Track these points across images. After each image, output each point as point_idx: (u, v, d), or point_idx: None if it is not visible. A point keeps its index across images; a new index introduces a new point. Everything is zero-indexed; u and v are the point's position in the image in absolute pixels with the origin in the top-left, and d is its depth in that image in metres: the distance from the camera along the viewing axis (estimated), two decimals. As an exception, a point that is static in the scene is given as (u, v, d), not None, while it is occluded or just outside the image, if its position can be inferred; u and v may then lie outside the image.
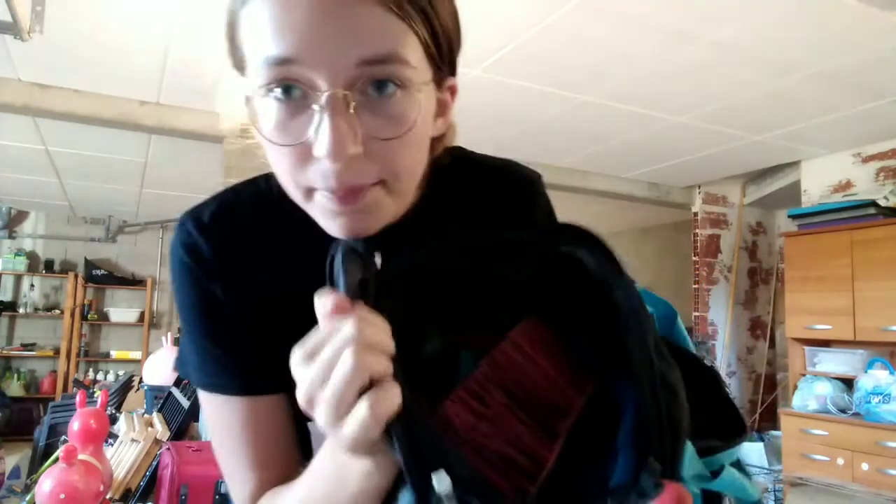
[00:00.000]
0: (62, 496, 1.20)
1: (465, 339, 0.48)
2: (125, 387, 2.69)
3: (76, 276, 6.54)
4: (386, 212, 0.50)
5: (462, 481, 0.38)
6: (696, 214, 4.90)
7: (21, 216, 6.67)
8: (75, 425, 1.43)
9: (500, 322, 0.48)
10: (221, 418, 0.58)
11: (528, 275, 0.48)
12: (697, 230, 4.87)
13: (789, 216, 4.04)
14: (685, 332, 0.59)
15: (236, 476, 0.58)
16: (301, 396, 0.41)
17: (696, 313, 4.79)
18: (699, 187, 4.89)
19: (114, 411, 2.22)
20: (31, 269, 6.58)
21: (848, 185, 3.95)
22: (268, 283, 0.58)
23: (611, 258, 0.46)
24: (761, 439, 4.33)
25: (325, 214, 0.49)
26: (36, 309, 6.60)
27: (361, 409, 0.39)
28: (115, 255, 7.03)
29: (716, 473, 0.49)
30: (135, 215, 6.67)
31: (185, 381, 1.97)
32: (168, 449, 1.49)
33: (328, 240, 0.48)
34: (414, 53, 0.47)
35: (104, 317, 6.91)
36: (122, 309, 6.92)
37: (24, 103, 3.11)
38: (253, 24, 0.46)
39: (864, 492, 2.93)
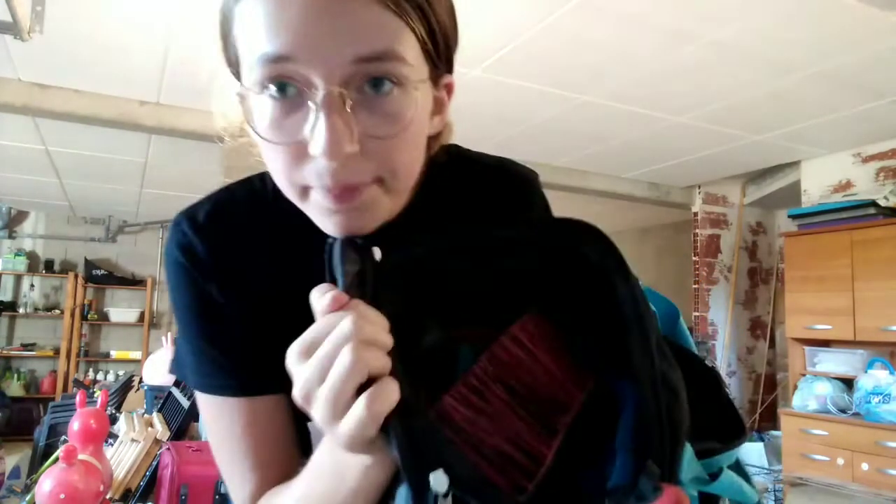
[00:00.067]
0: (62, 496, 1.20)
1: (464, 333, 0.47)
2: (125, 387, 2.69)
3: (76, 276, 6.54)
4: (382, 210, 0.50)
5: (459, 479, 0.38)
6: (696, 214, 4.90)
7: (21, 216, 6.67)
8: (75, 425, 1.43)
9: (500, 317, 0.47)
10: (219, 419, 0.58)
11: (528, 269, 0.48)
12: (697, 230, 4.87)
13: (789, 216, 4.04)
14: (687, 332, 0.59)
15: (235, 476, 0.58)
16: (298, 393, 0.41)
17: (696, 313, 4.79)
18: (699, 187, 4.89)
19: (114, 411, 2.22)
20: (31, 269, 6.58)
21: (848, 185, 3.95)
22: (264, 282, 0.58)
23: (614, 254, 0.46)
24: (761, 439, 4.33)
25: (321, 213, 0.49)
26: (36, 309, 6.60)
27: (359, 406, 0.38)
28: (115, 255, 7.03)
29: (714, 476, 0.48)
30: (135, 215, 6.67)
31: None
32: (168, 449, 1.49)
33: (324, 239, 0.48)
34: (411, 51, 0.47)
35: (104, 317, 6.91)
36: (122, 309, 6.92)
37: (24, 103, 3.11)
38: (247, 22, 0.46)
39: (864, 492, 2.93)
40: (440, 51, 0.51)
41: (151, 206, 6.01)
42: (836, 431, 3.45)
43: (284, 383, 0.43)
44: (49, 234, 6.76)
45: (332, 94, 0.44)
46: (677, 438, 0.43)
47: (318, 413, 0.40)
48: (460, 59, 0.55)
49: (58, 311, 6.59)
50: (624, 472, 0.41)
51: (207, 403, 0.59)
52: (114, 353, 6.87)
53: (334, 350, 0.39)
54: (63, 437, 1.78)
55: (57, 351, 6.48)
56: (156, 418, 1.87)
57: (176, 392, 1.99)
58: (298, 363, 0.41)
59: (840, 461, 3.37)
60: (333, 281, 0.44)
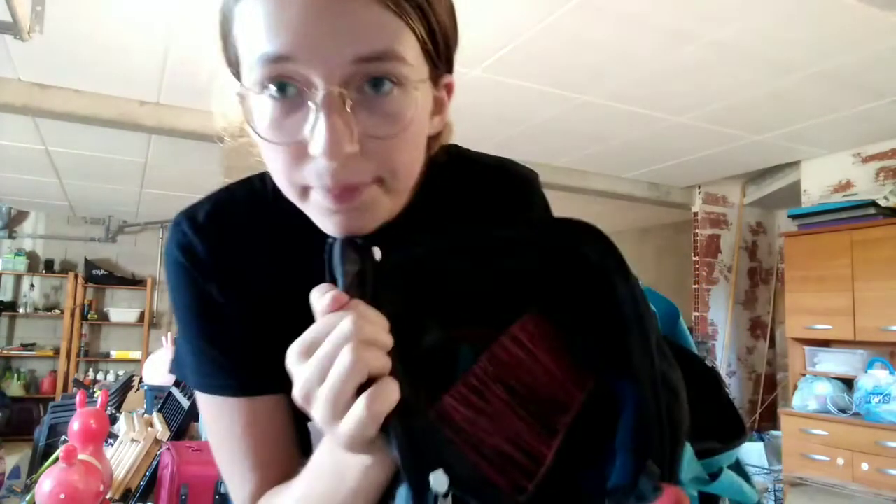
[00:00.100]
0: (62, 496, 1.20)
1: (464, 333, 0.47)
2: (125, 387, 2.69)
3: (76, 276, 6.54)
4: (382, 210, 0.50)
5: (459, 480, 0.38)
6: (696, 214, 4.90)
7: (21, 216, 6.67)
8: (75, 425, 1.43)
9: (500, 317, 0.47)
10: (219, 419, 0.58)
11: (528, 269, 0.48)
12: (697, 230, 4.87)
13: (789, 216, 4.04)
14: (687, 331, 0.58)
15: (236, 476, 0.58)
16: (298, 393, 0.41)
17: (696, 313, 4.79)
18: (699, 187, 4.89)
19: (114, 411, 2.22)
20: (31, 269, 6.58)
21: (848, 185, 3.95)
22: (264, 282, 0.58)
23: (614, 254, 0.45)
24: (761, 439, 4.33)
25: (321, 213, 0.49)
26: (36, 309, 6.60)
27: (359, 406, 0.38)
28: (115, 255, 7.03)
29: (714, 476, 0.48)
30: (135, 215, 6.67)
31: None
32: (168, 449, 1.49)
33: (324, 239, 0.48)
34: (411, 51, 0.46)
35: (104, 317, 6.91)
36: (122, 309, 6.92)
37: (24, 103, 3.11)
38: (247, 22, 0.46)
39: (864, 492, 2.93)
40: (440, 51, 0.51)
41: (151, 206, 6.01)
42: (836, 431, 3.45)
43: (284, 383, 0.43)
44: (49, 234, 6.76)
45: (332, 94, 0.44)
46: (677, 438, 0.42)
47: (317, 413, 0.40)
48: (460, 58, 0.55)
49: (58, 311, 6.59)
50: (624, 472, 0.41)
51: (207, 403, 0.59)
52: (114, 353, 6.87)
53: (334, 350, 0.39)
54: (63, 437, 1.78)
55: (57, 351, 6.48)
56: (156, 418, 1.87)
57: (176, 392, 1.99)
58: (298, 363, 0.41)
59: (840, 461, 3.37)
60: (333, 281, 0.44)
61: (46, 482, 1.21)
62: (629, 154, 4.10)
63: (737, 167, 4.40)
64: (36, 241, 6.74)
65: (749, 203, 4.98)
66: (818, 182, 4.13)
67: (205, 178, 4.23)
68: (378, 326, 0.41)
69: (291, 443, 0.58)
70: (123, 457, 1.66)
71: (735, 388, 4.86)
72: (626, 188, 4.73)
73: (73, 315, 6.50)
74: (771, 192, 4.69)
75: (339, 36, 0.44)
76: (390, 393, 0.39)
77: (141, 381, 2.69)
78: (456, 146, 0.64)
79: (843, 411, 3.51)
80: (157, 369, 2.48)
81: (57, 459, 1.29)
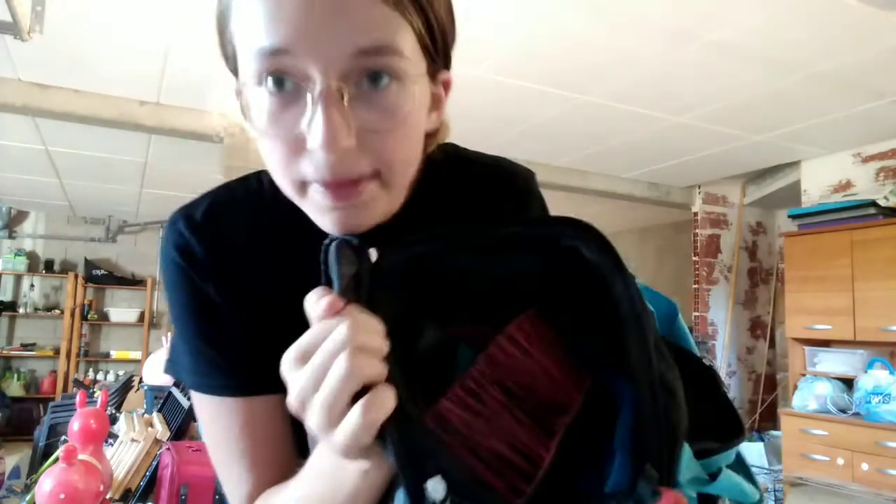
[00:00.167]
0: (62, 496, 1.20)
1: (461, 332, 0.47)
2: (125, 387, 2.69)
3: (76, 276, 6.54)
4: (380, 207, 0.50)
5: (456, 486, 0.38)
6: (696, 214, 4.90)
7: (21, 216, 6.67)
8: (75, 425, 1.43)
9: (497, 316, 0.47)
10: (216, 419, 0.58)
11: (525, 268, 0.48)
12: (697, 230, 4.87)
13: (789, 216, 4.04)
14: (686, 330, 0.58)
15: (232, 476, 0.58)
16: (293, 401, 0.40)
17: (696, 313, 4.79)
18: (699, 187, 4.89)
19: (114, 411, 2.22)
20: (31, 269, 6.58)
21: (848, 185, 3.95)
22: (262, 281, 0.57)
23: (611, 253, 0.45)
24: (761, 439, 4.33)
25: (319, 209, 0.49)
26: (36, 309, 6.60)
27: (354, 414, 0.38)
28: (115, 255, 7.03)
29: (713, 476, 0.48)
30: (135, 215, 6.67)
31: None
32: (168, 449, 1.49)
33: (322, 237, 0.48)
34: (408, 45, 0.47)
35: (104, 317, 6.91)
36: (122, 309, 6.92)
37: (24, 103, 3.11)
38: (245, 16, 0.46)
39: (864, 492, 2.93)
40: (438, 46, 0.51)
41: (151, 206, 6.01)
42: (836, 431, 3.45)
43: (282, 383, 0.42)
44: (49, 234, 6.76)
45: (329, 88, 0.44)
46: (675, 439, 0.42)
47: (313, 421, 0.40)
48: (461, 58, 0.55)
49: (58, 311, 6.59)
50: (622, 474, 0.41)
51: (204, 403, 0.58)
52: (114, 353, 6.87)
53: (329, 358, 0.39)
54: (63, 437, 1.78)
55: (57, 351, 6.48)
56: (156, 418, 1.87)
57: (176, 392, 1.99)
58: (293, 370, 0.40)
59: (840, 461, 3.37)
60: (329, 283, 0.44)
61: (46, 482, 1.21)
62: (629, 154, 4.10)
63: (737, 167, 4.40)
64: (36, 241, 6.74)
65: (749, 203, 4.98)
66: (818, 182, 4.13)
67: (205, 178, 4.22)
68: (373, 332, 0.41)
69: (288, 443, 0.58)
70: (123, 457, 1.66)
71: (735, 388, 4.86)
72: (626, 188, 4.73)
73: (73, 315, 6.50)
74: (771, 192, 4.69)
75: (337, 30, 0.44)
76: (386, 400, 0.39)
77: (141, 381, 2.69)
78: (453, 145, 0.64)
79: (843, 411, 3.51)
80: (157, 369, 2.49)
81: (57, 459, 1.29)
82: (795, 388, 3.84)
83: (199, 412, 0.60)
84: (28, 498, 1.52)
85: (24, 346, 6.52)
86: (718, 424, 0.50)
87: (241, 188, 0.61)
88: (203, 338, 0.57)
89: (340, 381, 0.38)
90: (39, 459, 1.94)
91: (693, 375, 0.48)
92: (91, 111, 3.23)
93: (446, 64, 0.54)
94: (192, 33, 2.56)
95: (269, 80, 0.45)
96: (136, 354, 6.81)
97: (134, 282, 6.96)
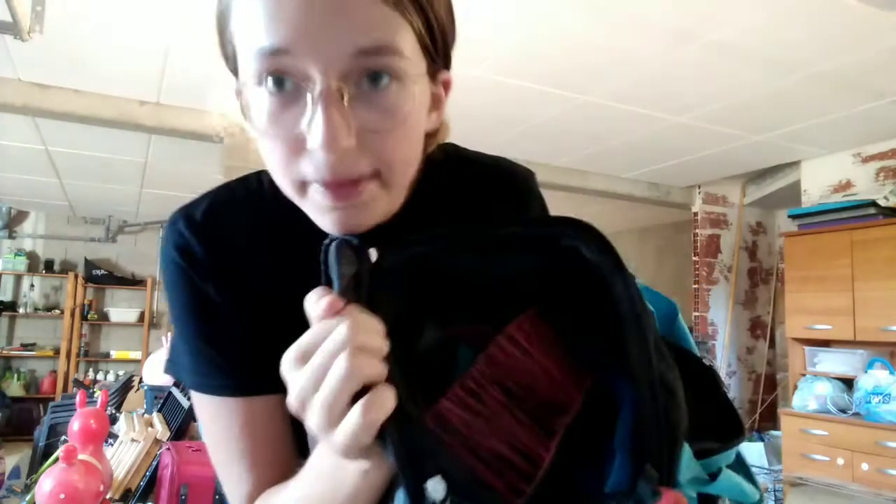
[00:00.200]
0: (62, 496, 1.20)
1: (461, 331, 0.47)
2: (125, 387, 2.69)
3: (76, 276, 6.54)
4: (380, 207, 0.50)
5: (456, 486, 0.38)
6: (696, 214, 4.90)
7: (21, 216, 6.67)
8: (75, 425, 1.43)
9: (497, 316, 0.47)
10: (216, 419, 0.58)
11: (525, 268, 0.48)
12: (697, 230, 4.87)
13: (789, 216, 4.04)
14: (686, 330, 0.58)
15: (232, 476, 0.58)
16: (293, 401, 0.40)
17: (696, 313, 4.79)
18: (699, 187, 4.89)
19: (114, 411, 2.22)
20: (31, 269, 6.58)
21: (848, 185, 3.95)
22: (262, 281, 0.57)
23: (611, 253, 0.45)
24: (761, 439, 4.33)
25: (319, 210, 0.49)
26: (36, 309, 6.60)
27: (354, 415, 0.38)
28: (115, 255, 7.03)
29: (713, 476, 0.48)
30: (135, 215, 6.67)
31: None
32: (168, 449, 1.49)
33: (322, 237, 0.48)
34: (408, 45, 0.47)
35: (104, 317, 6.91)
36: (122, 309, 6.92)
37: (24, 103, 3.11)
38: (245, 16, 0.46)
39: (864, 492, 2.93)
40: (438, 46, 0.51)
41: (151, 206, 6.01)
42: (836, 431, 3.45)
43: (282, 383, 0.42)
44: (49, 234, 6.76)
45: (329, 88, 0.44)
46: (675, 439, 0.42)
47: (313, 421, 0.40)
48: (461, 58, 0.55)
49: (58, 311, 6.59)
50: (622, 474, 0.41)
51: (204, 403, 0.58)
52: (114, 353, 6.87)
53: (328, 359, 0.39)
54: (63, 437, 1.78)
55: (57, 351, 6.48)
56: (156, 418, 1.87)
57: (176, 392, 1.99)
58: (293, 370, 0.40)
59: (840, 461, 3.37)
60: (330, 283, 0.44)
61: (46, 482, 1.21)
62: (629, 154, 4.10)
63: (737, 167, 4.40)
64: (36, 241, 6.74)
65: (749, 203, 4.98)
66: (818, 182, 4.13)
67: (205, 178, 4.22)
68: (373, 332, 0.41)
69: (288, 443, 0.58)
70: (123, 457, 1.66)
71: (735, 388, 4.86)
72: (626, 188, 4.73)
73: (73, 315, 6.50)
74: (771, 192, 4.69)
75: (337, 29, 0.44)
76: (386, 400, 0.38)
77: (141, 381, 2.69)
78: (453, 145, 0.64)
79: (843, 411, 3.51)
80: (157, 369, 2.49)
81: (57, 459, 1.29)
82: (795, 388, 3.84)
83: (199, 412, 0.60)
84: (28, 498, 1.52)
85: (24, 346, 6.52)
86: (718, 424, 0.50)
87: (241, 188, 0.61)
88: (203, 338, 0.57)
89: (340, 382, 0.38)
90: (39, 459, 1.94)
91: (693, 375, 0.48)
92: (91, 111, 3.23)
93: (446, 64, 0.54)
94: (192, 33, 2.56)
95: (269, 80, 0.45)
96: (136, 354, 6.81)
97: (134, 282, 6.96)
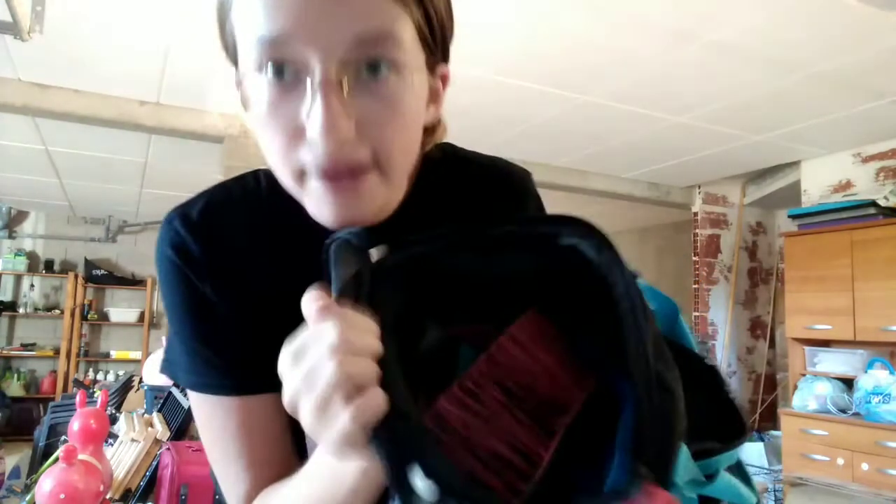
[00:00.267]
0: (62, 496, 1.20)
1: (463, 331, 0.47)
2: (125, 387, 2.69)
3: (76, 276, 6.54)
4: (378, 199, 0.50)
5: (452, 485, 0.38)
6: (696, 214, 4.91)
7: (21, 216, 6.67)
8: (75, 425, 1.43)
9: (498, 315, 0.47)
10: (213, 418, 0.57)
11: (527, 267, 0.48)
12: (697, 230, 4.87)
13: (789, 216, 4.04)
14: (687, 330, 0.58)
15: (230, 476, 0.57)
16: (286, 401, 0.40)
17: (696, 313, 4.79)
18: (699, 187, 4.89)
19: (114, 411, 2.22)
20: (31, 269, 6.58)
21: (848, 185, 3.95)
22: (259, 280, 0.57)
23: (611, 250, 0.45)
24: (761, 439, 4.33)
25: (317, 200, 0.49)
26: (36, 309, 6.60)
27: (344, 417, 0.38)
28: (115, 255, 7.03)
29: (711, 477, 0.48)
30: (135, 215, 6.67)
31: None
32: (168, 449, 1.49)
33: (320, 236, 0.48)
34: (407, 36, 0.47)
35: (104, 317, 6.91)
36: (122, 309, 6.92)
37: (24, 103, 3.11)
38: (245, 5, 0.46)
39: (864, 492, 2.93)
40: (436, 38, 0.51)
41: (151, 206, 6.01)
42: (836, 431, 3.45)
43: (279, 382, 0.43)
44: (49, 234, 6.76)
45: (328, 77, 0.44)
46: (672, 439, 0.42)
47: (305, 422, 0.40)
48: (461, 58, 0.55)
49: (58, 311, 6.59)
50: (620, 475, 0.41)
51: (201, 402, 0.58)
52: (114, 353, 6.87)
53: (319, 360, 0.39)
54: (63, 437, 1.78)
55: (57, 351, 6.48)
56: (156, 418, 1.88)
57: (176, 392, 1.99)
58: (287, 370, 0.40)
59: (840, 461, 3.37)
60: (332, 283, 0.44)
61: (46, 482, 1.21)
62: (629, 154, 4.10)
63: (737, 167, 4.40)
64: (36, 241, 6.74)
65: (749, 203, 4.98)
66: (818, 182, 4.13)
67: (205, 178, 4.22)
68: (366, 333, 0.40)
69: (286, 442, 0.58)
70: (123, 457, 1.66)
71: (735, 388, 4.86)
72: (626, 188, 4.73)
73: (73, 315, 6.50)
74: (771, 192, 4.69)
75: (337, 18, 0.44)
76: (376, 403, 0.38)
77: (141, 381, 2.69)
78: (450, 145, 0.65)
79: (843, 411, 3.51)
80: (157, 369, 2.48)
81: (57, 459, 1.29)
82: (795, 388, 3.84)
83: (196, 411, 0.59)
84: (28, 498, 1.52)
85: (24, 346, 6.52)
86: (720, 424, 0.50)
87: (237, 187, 0.61)
88: (199, 337, 0.57)
89: (329, 385, 0.38)
90: (39, 459, 1.94)
91: (694, 375, 0.48)
92: (91, 111, 3.23)
93: (444, 57, 0.54)
94: (191, 33, 2.56)
95: (269, 69, 0.46)
96: (136, 354, 6.81)
97: (134, 282, 6.96)
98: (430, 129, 0.57)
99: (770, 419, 4.79)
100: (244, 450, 0.56)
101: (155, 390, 2.29)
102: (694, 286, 4.85)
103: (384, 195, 0.51)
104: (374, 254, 0.46)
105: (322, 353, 0.39)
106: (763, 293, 5.07)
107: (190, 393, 0.59)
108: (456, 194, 0.62)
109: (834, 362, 3.74)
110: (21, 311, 6.55)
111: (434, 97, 0.55)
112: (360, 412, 0.38)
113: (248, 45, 0.46)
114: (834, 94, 3.04)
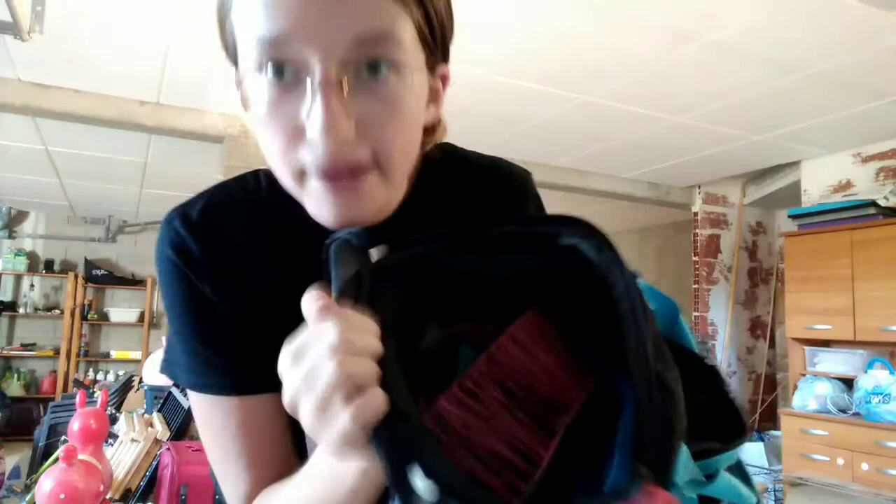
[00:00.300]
0: (62, 496, 1.20)
1: (464, 331, 0.47)
2: (125, 387, 2.69)
3: (76, 276, 6.54)
4: (378, 198, 0.50)
5: (452, 485, 0.38)
6: (696, 214, 4.91)
7: (21, 216, 6.67)
8: (75, 425, 1.43)
9: (499, 315, 0.47)
10: (213, 418, 0.57)
11: (526, 267, 0.48)
12: (697, 230, 4.87)
13: (789, 216, 4.04)
14: (688, 330, 0.58)
15: (230, 476, 0.57)
16: (286, 401, 0.40)
17: (696, 313, 4.79)
18: (699, 187, 4.89)
19: (114, 411, 2.22)
20: (31, 269, 6.58)
21: (848, 185, 3.95)
22: (259, 280, 0.57)
23: (611, 249, 0.45)
24: (761, 439, 4.33)
25: (317, 200, 0.49)
26: (36, 309, 6.60)
27: (343, 417, 0.38)
28: (115, 255, 7.03)
29: (710, 477, 0.48)
30: (135, 215, 6.67)
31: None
32: (168, 449, 1.49)
33: (320, 236, 0.48)
34: (407, 36, 0.47)
35: (104, 317, 6.91)
36: (122, 309, 6.93)
37: (24, 103, 3.11)
38: (244, 5, 0.46)
39: (864, 492, 2.93)
40: (436, 38, 0.51)
41: (151, 206, 6.01)
42: (836, 431, 3.45)
43: (279, 382, 0.43)
44: (49, 234, 6.76)
45: (328, 76, 0.45)
46: (672, 439, 0.42)
47: (304, 422, 0.40)
48: (461, 58, 0.55)
49: (58, 311, 6.59)
50: (620, 474, 0.41)
51: (201, 402, 0.58)
52: (114, 353, 6.87)
53: (318, 360, 0.39)
54: (63, 437, 1.78)
55: (57, 351, 6.48)
56: (156, 418, 1.88)
57: (176, 392, 1.99)
58: (287, 370, 0.40)
59: (840, 461, 3.37)
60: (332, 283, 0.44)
61: (46, 482, 1.21)
62: (629, 154, 4.10)
63: (737, 167, 4.40)
64: (36, 241, 6.74)
65: (749, 203, 4.98)
66: (818, 182, 4.13)
67: (205, 178, 4.22)
68: (366, 334, 0.40)
69: (286, 442, 0.58)
70: (123, 457, 1.66)
71: (735, 388, 4.86)
72: (626, 188, 4.73)
73: (73, 315, 6.50)
74: (771, 192, 4.69)
75: (337, 18, 0.44)
76: (376, 403, 0.38)
77: (141, 381, 2.69)
78: (450, 145, 0.65)
79: (843, 411, 3.51)
80: (157, 369, 2.49)
81: (57, 459, 1.29)
82: (795, 388, 3.84)
83: (196, 411, 0.59)
84: (28, 498, 1.52)
85: (24, 346, 6.52)
86: (720, 424, 0.50)
87: (237, 187, 0.61)
88: (199, 337, 0.57)
89: (328, 386, 0.38)
90: (39, 459, 1.94)
91: (694, 375, 0.48)
92: (91, 111, 3.23)
93: (444, 57, 0.54)
94: (191, 33, 2.56)
95: (269, 69, 0.46)
96: (136, 354, 6.81)
97: (134, 282, 6.96)
98: (430, 129, 0.57)
99: (770, 419, 4.79)
100: (244, 450, 0.56)
101: (155, 390, 2.29)
102: (694, 286, 4.85)
103: (384, 195, 0.50)
104: (374, 254, 0.46)
105: (322, 353, 0.39)
106: (763, 293, 5.07)
107: (190, 393, 0.59)
108: (456, 194, 0.62)
109: (834, 362, 3.74)
110: (21, 311, 6.55)
111: (434, 97, 0.55)
112: (360, 412, 0.38)
113: (248, 45, 0.46)
114: (834, 94, 3.04)
